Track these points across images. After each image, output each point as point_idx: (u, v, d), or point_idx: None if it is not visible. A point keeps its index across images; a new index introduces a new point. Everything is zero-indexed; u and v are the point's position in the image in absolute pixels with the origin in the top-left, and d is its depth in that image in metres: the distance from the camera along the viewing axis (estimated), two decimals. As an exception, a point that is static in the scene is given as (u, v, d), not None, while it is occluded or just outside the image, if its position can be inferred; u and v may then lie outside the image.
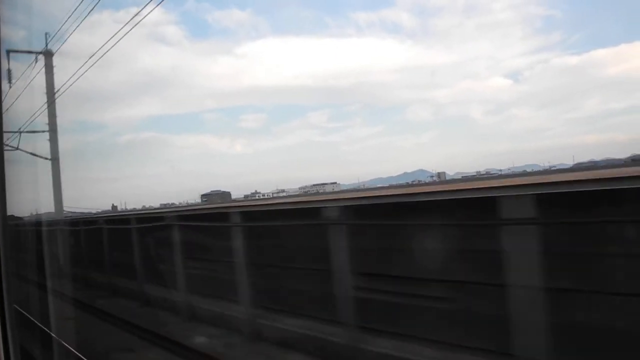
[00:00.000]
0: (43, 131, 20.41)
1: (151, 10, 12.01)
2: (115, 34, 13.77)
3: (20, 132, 19.61)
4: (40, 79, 19.87)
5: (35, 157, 19.68)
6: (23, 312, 5.47)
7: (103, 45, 14.48)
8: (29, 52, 19.79)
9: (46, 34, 19.60)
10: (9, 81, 18.42)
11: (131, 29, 13.13)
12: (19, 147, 19.28)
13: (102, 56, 14.81)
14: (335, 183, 51.23)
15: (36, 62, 19.94)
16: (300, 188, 49.04)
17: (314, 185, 50.00)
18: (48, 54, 20.21)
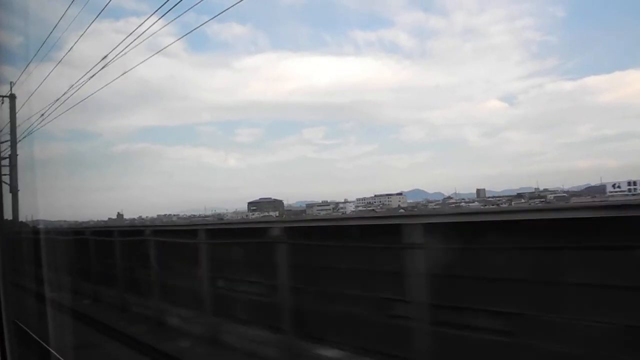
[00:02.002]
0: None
1: (153, 24, 12.19)
2: (120, 47, 14.44)
3: None
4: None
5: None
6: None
7: (105, 57, 15.12)
8: None
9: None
10: None
11: (133, 41, 13.54)
12: None
13: (102, 67, 15.51)
14: (400, 194, 49.65)
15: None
16: (358, 200, 47.99)
17: (376, 196, 48.67)
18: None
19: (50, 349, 6.37)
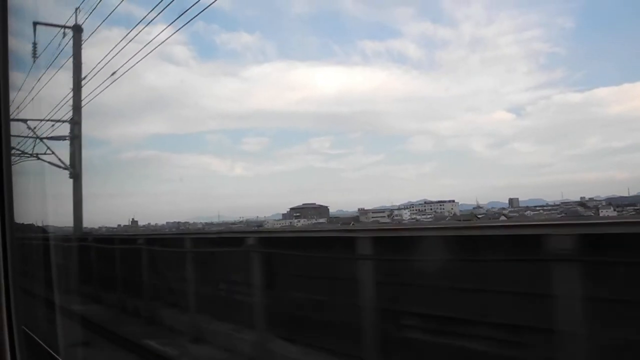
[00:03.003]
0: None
1: (170, 35, 12.72)
2: (126, 52, 14.44)
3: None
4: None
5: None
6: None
7: (109, 62, 15.18)
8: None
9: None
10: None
11: (142, 48, 13.97)
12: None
13: (112, 76, 15.46)
14: (453, 201, 48.08)
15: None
16: (406, 205, 46.58)
17: (426, 202, 47.14)
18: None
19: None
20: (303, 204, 48.73)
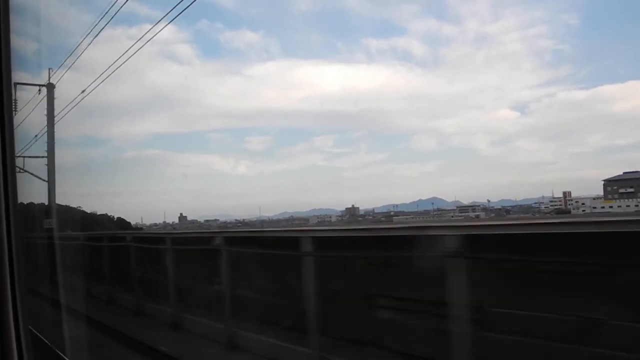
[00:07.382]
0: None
1: (163, 28, 13.29)
2: (129, 51, 15.11)
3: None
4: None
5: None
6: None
7: (114, 62, 16.15)
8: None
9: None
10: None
11: (143, 46, 14.44)
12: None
13: (112, 72, 16.48)
14: None
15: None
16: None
17: None
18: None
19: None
20: (624, 173, 38.66)
